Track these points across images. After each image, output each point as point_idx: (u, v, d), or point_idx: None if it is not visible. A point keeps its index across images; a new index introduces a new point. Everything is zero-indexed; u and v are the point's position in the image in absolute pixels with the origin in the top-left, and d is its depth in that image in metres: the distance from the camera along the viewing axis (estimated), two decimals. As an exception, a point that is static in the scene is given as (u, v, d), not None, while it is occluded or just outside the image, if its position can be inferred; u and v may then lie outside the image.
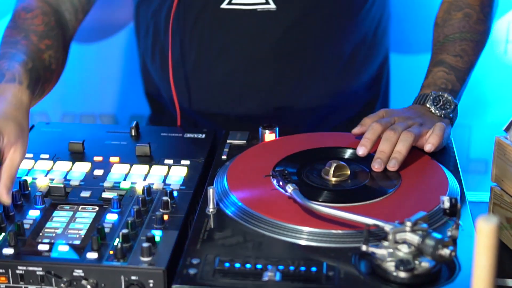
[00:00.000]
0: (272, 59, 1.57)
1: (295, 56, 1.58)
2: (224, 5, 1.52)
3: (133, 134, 1.43)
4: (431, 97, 1.40)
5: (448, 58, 1.48)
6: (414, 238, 1.04)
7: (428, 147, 1.30)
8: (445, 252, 1.01)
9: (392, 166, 1.26)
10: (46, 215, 1.18)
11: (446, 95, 1.41)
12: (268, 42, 1.56)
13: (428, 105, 1.40)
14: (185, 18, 1.56)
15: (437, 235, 1.03)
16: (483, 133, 2.10)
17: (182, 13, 1.55)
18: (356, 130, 1.35)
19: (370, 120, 1.35)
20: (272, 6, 1.51)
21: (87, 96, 2.21)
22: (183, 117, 1.61)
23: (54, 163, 1.33)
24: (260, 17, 1.52)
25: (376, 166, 1.27)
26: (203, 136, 1.43)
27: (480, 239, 0.82)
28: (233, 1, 1.52)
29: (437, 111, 1.39)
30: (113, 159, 1.34)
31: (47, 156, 1.36)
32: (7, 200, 1.16)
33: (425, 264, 1.03)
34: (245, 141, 1.40)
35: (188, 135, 1.43)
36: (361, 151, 1.29)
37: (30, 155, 1.35)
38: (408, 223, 1.04)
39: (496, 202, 1.28)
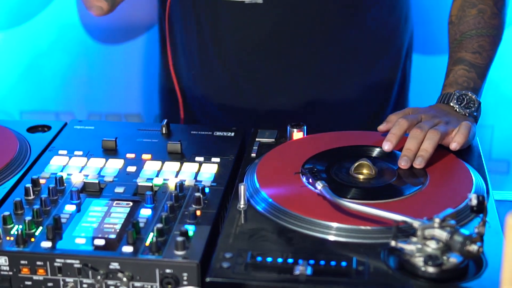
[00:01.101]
0: (271, 50, 1.61)
1: (291, 50, 1.61)
2: None
3: (164, 132, 1.46)
4: (455, 96, 1.43)
5: (467, 56, 1.50)
6: (443, 234, 1.06)
7: (454, 145, 1.32)
8: (473, 248, 1.04)
9: (419, 164, 1.29)
10: (82, 210, 1.21)
11: (469, 94, 1.43)
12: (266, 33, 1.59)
13: (452, 104, 1.42)
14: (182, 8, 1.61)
15: (465, 232, 1.05)
16: (505, 133, 2.12)
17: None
18: (382, 127, 1.37)
19: (396, 116, 1.37)
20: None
21: (112, 96, 2.25)
22: (206, 113, 1.65)
23: (88, 159, 1.37)
24: (247, 9, 1.55)
25: (403, 164, 1.29)
26: (233, 134, 1.46)
27: (510, 235, 0.84)
28: None
29: (461, 110, 1.41)
30: (145, 156, 1.37)
31: (80, 153, 1.39)
32: None
33: (453, 259, 1.06)
34: (273, 139, 1.43)
35: (218, 133, 1.46)
36: (387, 146, 1.31)
37: (64, 152, 1.39)
38: (437, 220, 1.07)
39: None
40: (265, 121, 1.58)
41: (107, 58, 2.26)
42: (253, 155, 1.38)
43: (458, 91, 1.44)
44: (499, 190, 1.44)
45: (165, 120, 1.47)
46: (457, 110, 1.41)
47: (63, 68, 2.23)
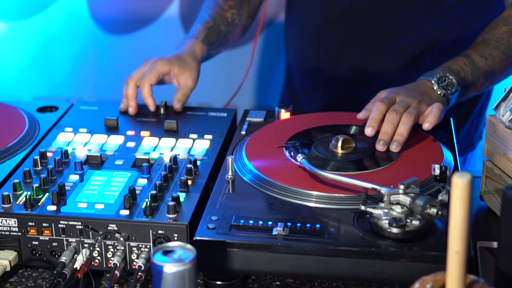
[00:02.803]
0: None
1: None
2: None
3: (162, 112, 1.58)
4: (438, 75, 1.51)
5: (473, 54, 1.58)
6: (406, 200, 1.18)
7: (427, 125, 1.42)
8: (433, 211, 1.15)
9: (395, 148, 1.39)
10: (85, 180, 1.34)
11: (452, 77, 1.51)
12: None
13: (433, 82, 1.50)
14: None
15: (426, 197, 1.17)
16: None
17: None
18: (361, 115, 1.46)
19: (373, 105, 1.48)
20: None
21: (120, 84, 2.37)
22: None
23: (91, 136, 1.49)
24: None
25: (380, 147, 1.39)
26: (225, 114, 1.58)
27: (455, 193, 0.95)
28: None
29: (439, 89, 1.50)
30: (144, 133, 1.50)
31: (85, 130, 1.52)
32: (178, 107, 1.61)
33: (415, 222, 1.17)
34: (262, 119, 1.55)
35: (212, 113, 1.58)
36: (369, 131, 1.41)
37: (70, 129, 1.52)
38: (401, 186, 1.19)
39: (488, 175, 1.42)
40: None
41: (115, 49, 2.38)
42: (243, 132, 1.50)
43: (443, 71, 1.52)
44: (474, 168, 1.55)
45: (163, 101, 1.59)
46: (435, 88, 1.50)
47: (73, 57, 2.35)
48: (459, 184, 0.94)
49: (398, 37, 1.80)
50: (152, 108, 1.59)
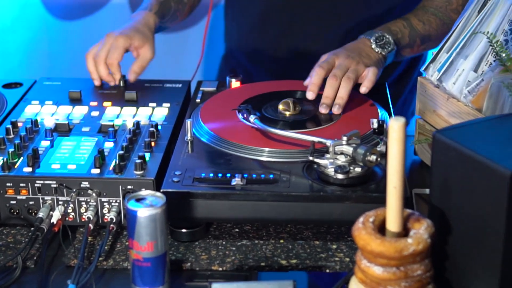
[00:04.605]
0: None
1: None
2: None
3: (121, 85, 1.70)
4: (376, 34, 1.65)
5: (412, 19, 1.74)
6: (349, 149, 1.33)
7: (363, 89, 1.56)
8: (372, 158, 1.30)
9: (336, 111, 1.53)
10: (55, 145, 1.45)
11: (389, 37, 1.65)
12: None
13: (371, 40, 1.64)
14: None
15: (366, 146, 1.32)
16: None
17: None
18: (305, 82, 1.59)
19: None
20: None
21: (72, 67, 2.46)
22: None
23: (57, 107, 1.60)
24: None
25: (323, 110, 1.53)
26: (180, 85, 1.71)
27: (392, 134, 1.10)
28: None
29: (376, 48, 1.63)
30: (106, 103, 1.62)
31: (50, 102, 1.63)
32: (132, 79, 1.72)
33: (357, 169, 1.32)
34: (215, 88, 1.68)
35: (168, 85, 1.71)
36: (310, 95, 1.54)
37: (36, 102, 1.63)
38: (344, 138, 1.33)
39: (420, 132, 1.58)
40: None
41: (67, 33, 2.47)
42: (198, 100, 1.63)
43: (381, 31, 1.66)
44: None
45: (122, 75, 1.71)
46: (373, 47, 1.63)
47: (25, 43, 2.44)
48: (395, 125, 1.08)
49: (340, 21, 1.87)
50: (119, 82, 1.71)
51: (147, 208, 1.18)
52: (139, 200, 1.20)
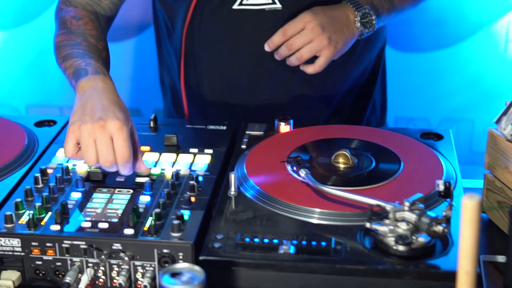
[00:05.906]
0: None
1: None
2: (235, 6, 1.67)
3: (151, 125, 1.58)
4: (364, 11, 1.59)
5: None
6: (412, 216, 1.18)
7: (310, 70, 1.57)
8: (439, 228, 1.16)
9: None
10: (87, 197, 1.33)
11: (374, 18, 1.59)
12: None
13: (356, 14, 1.58)
14: (201, 17, 1.70)
15: (432, 214, 1.17)
16: (485, 127, 2.23)
17: (198, 13, 1.70)
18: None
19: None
20: (278, 5, 1.66)
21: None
22: (198, 108, 1.76)
23: (91, 151, 1.48)
24: (268, 16, 1.67)
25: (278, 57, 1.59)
26: (225, 128, 1.58)
27: (465, 214, 0.96)
28: (243, 2, 1.67)
29: (358, 24, 1.58)
30: (144, 148, 1.49)
31: (84, 145, 1.50)
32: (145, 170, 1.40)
33: (421, 239, 1.18)
34: (262, 132, 1.54)
35: (211, 127, 1.58)
36: (266, 47, 1.58)
37: (69, 145, 1.50)
38: (407, 203, 1.19)
39: (489, 188, 1.43)
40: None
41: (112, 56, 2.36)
42: (243, 146, 1.50)
43: (369, 8, 1.59)
44: (475, 179, 1.56)
45: (153, 114, 1.58)
46: (357, 25, 1.58)
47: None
48: (469, 205, 0.95)
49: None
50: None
51: (184, 286, 1.05)
52: (174, 275, 1.07)
